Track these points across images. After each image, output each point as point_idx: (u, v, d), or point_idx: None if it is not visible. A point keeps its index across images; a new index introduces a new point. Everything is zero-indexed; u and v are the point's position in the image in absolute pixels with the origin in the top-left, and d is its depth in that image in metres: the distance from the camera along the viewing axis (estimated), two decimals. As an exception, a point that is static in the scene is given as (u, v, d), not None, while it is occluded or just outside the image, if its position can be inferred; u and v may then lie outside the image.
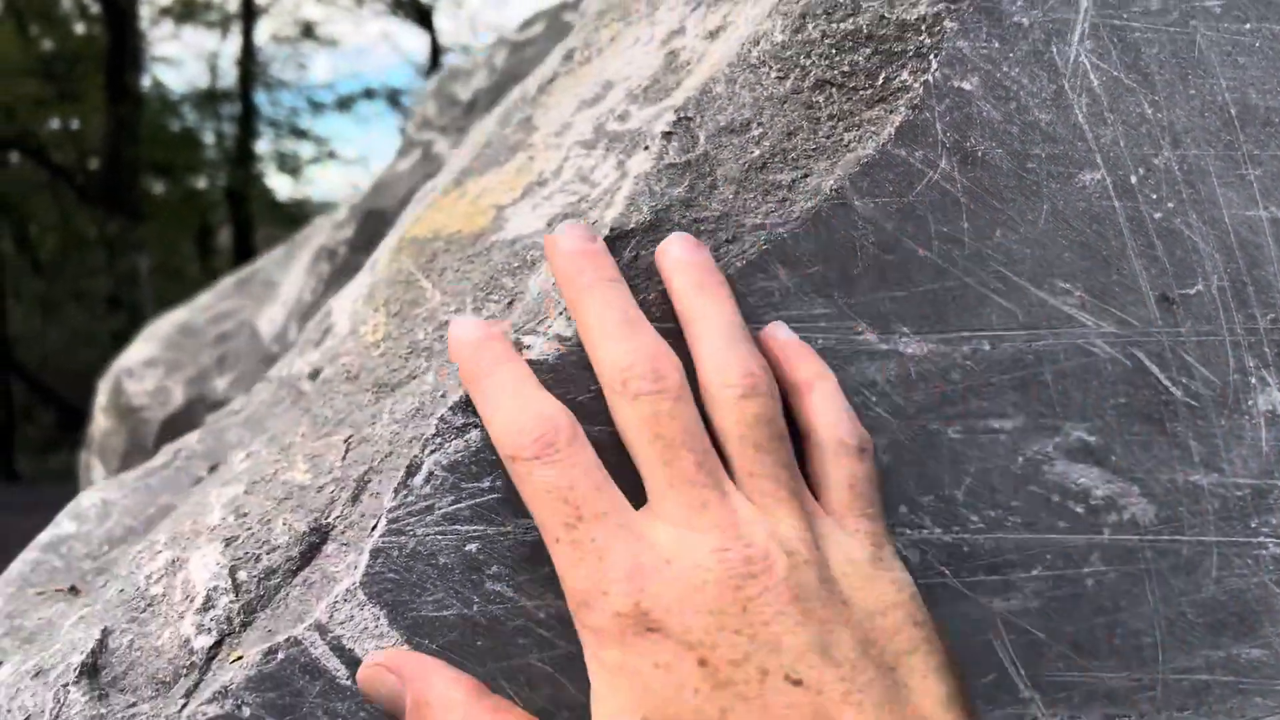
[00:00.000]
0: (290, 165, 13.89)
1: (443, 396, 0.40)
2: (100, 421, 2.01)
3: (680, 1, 0.50)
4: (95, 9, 11.51)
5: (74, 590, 0.58)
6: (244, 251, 13.09)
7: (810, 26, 0.44)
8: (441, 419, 0.39)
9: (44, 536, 0.68)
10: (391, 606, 0.37)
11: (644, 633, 0.35)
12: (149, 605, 0.44)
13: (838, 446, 0.41)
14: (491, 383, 0.40)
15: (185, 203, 13.40)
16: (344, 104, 14.67)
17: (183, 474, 0.66)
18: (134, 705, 0.41)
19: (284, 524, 0.42)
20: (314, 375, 0.53)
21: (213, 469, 0.62)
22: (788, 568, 0.36)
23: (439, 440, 0.39)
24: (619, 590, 0.35)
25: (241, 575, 0.41)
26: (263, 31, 13.62)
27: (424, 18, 14.96)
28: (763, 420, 0.40)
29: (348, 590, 0.37)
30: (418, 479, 0.38)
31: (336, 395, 0.48)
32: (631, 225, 0.42)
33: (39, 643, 0.51)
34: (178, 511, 0.51)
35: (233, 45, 15.18)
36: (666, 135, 0.43)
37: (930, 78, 0.43)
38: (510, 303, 0.43)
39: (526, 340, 0.41)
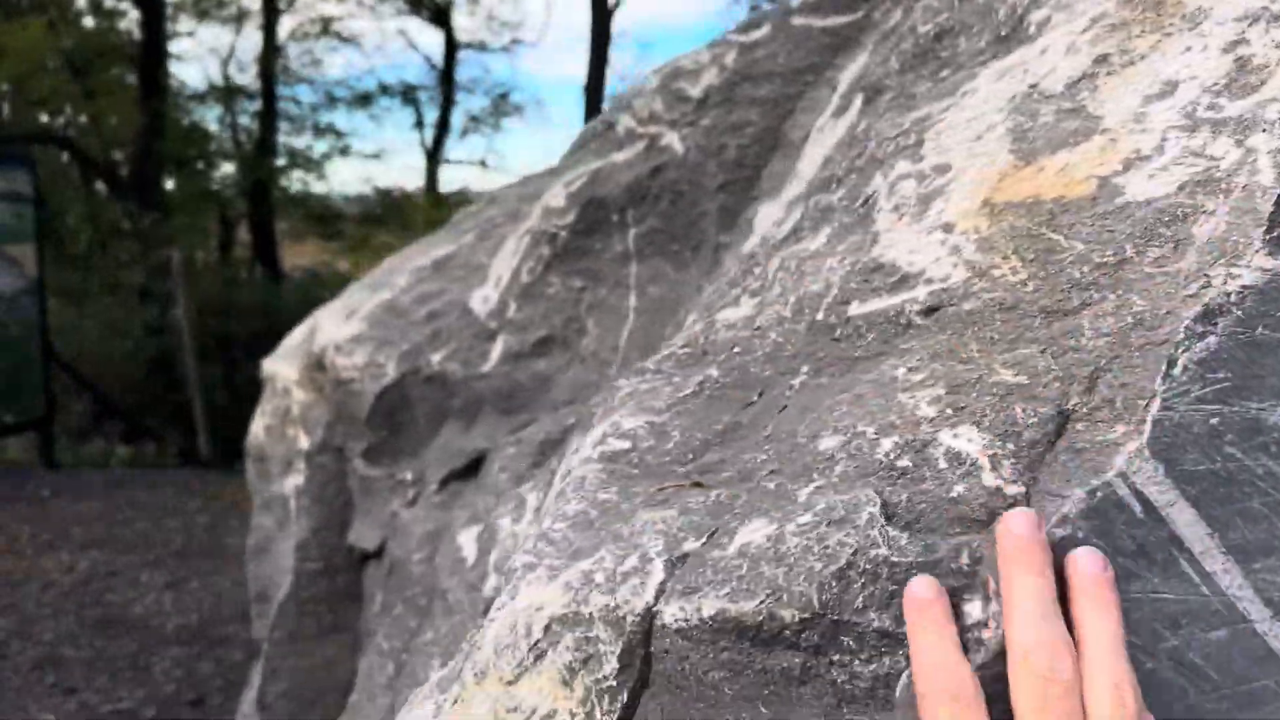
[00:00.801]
0: (307, 160, 13.99)
1: (1167, 314, 0.54)
2: (297, 395, 2.14)
3: (1229, 18, 0.64)
4: (123, 4, 11.59)
5: (697, 484, 0.72)
6: (265, 244, 13.16)
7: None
8: (1187, 329, 0.53)
9: (591, 453, 0.81)
10: (1167, 462, 0.52)
11: None
12: (903, 474, 0.58)
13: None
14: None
15: (205, 196, 13.49)
16: (362, 100, 14.76)
17: (717, 401, 0.80)
18: (931, 540, 0.55)
19: (1022, 410, 0.56)
20: (929, 311, 0.67)
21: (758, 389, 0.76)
22: None
23: (1187, 343, 0.53)
24: None
25: (1010, 446, 0.55)
26: (282, 28, 13.69)
27: (440, 15, 15.06)
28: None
29: (1137, 449, 0.52)
30: (1176, 370, 0.52)
31: (993, 322, 0.62)
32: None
33: (734, 516, 0.65)
34: (846, 419, 0.64)
35: (246, 41, 15.24)
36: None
37: None
38: (1175, 245, 0.57)
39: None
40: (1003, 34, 0.89)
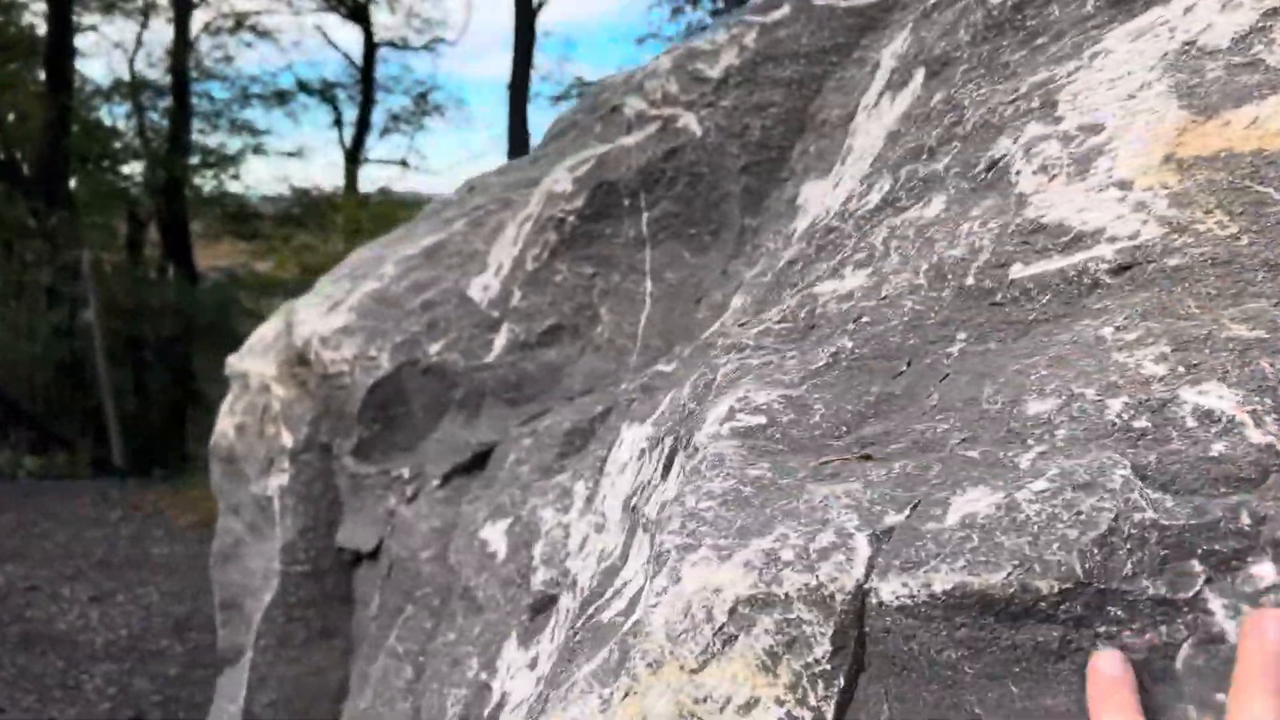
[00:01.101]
0: (221, 158, 13.55)
1: None
2: (277, 391, 2.04)
3: None
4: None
5: (866, 457, 0.68)
6: (179, 245, 12.71)
7: None
8: None
9: (719, 430, 0.77)
10: None
11: None
12: (1143, 435, 0.55)
13: None
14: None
15: (113, 195, 12.97)
16: (279, 98, 14.38)
17: (858, 372, 0.76)
18: (1199, 502, 0.52)
19: (1270, 365, 0.54)
20: (1120, 270, 0.65)
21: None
22: None
23: None
24: None
25: (1268, 401, 0.53)
26: (194, 22, 13.23)
27: (359, 12, 14.76)
28: None
29: None
30: None
31: (1206, 277, 0.60)
32: None
33: (935, 486, 0.61)
34: (1052, 381, 0.61)
35: (154, 35, 14.70)
36: None
37: None
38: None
39: None
40: (1115, -1, 0.88)
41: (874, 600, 0.56)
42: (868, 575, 0.57)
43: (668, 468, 0.89)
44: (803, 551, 0.60)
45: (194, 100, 13.38)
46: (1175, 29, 0.74)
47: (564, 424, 1.48)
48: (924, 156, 0.96)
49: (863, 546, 0.58)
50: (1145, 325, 0.60)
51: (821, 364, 0.77)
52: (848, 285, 0.87)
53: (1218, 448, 0.52)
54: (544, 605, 1.18)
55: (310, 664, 1.89)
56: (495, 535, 1.42)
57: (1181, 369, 0.56)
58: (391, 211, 12.54)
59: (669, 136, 1.62)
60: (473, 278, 1.84)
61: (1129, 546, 0.50)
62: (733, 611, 0.60)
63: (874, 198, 0.99)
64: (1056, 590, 0.51)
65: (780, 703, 0.56)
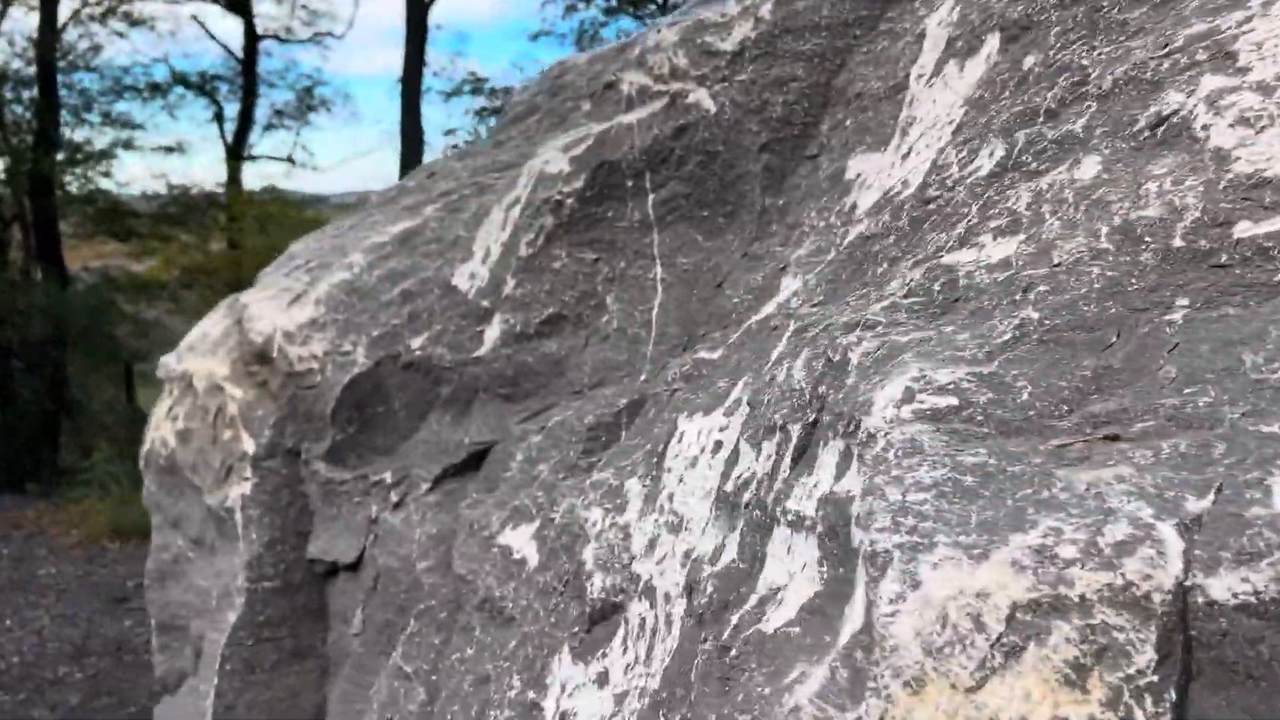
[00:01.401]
0: (90, 154, 12.77)
1: None
2: (232, 392, 1.86)
3: None
4: None
5: (1112, 438, 0.61)
6: (48, 244, 11.95)
7: None
8: None
9: (899, 413, 0.69)
10: None
11: None
12: None
13: None
14: None
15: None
16: (154, 90, 13.68)
17: (1055, 346, 0.69)
18: None
19: None
20: None
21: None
22: None
23: None
24: None
25: None
26: (63, 9, 12.43)
27: (239, 3, 14.15)
28: None
29: None
30: None
31: None
32: None
33: (1237, 467, 0.55)
34: None
35: (15, 23, 13.81)
36: None
37: None
38: None
39: None
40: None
41: (1199, 599, 0.49)
42: (1187, 571, 0.50)
43: (798, 459, 0.80)
44: (1089, 546, 0.52)
45: (62, 93, 12.59)
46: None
47: (585, 418, 1.38)
48: (1042, 119, 0.89)
49: (1173, 538, 0.51)
50: None
51: (1007, 338, 0.70)
52: (995, 254, 0.80)
53: None
54: (606, 614, 1.08)
55: (282, 688, 1.72)
56: (520, 541, 1.30)
57: None
58: (281, 210, 12.04)
59: (678, 113, 1.54)
60: (457, 265, 1.71)
61: None
62: (1010, 619, 0.52)
63: (985, 164, 0.92)
64: None
65: (1094, 721, 0.49)
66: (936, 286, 0.82)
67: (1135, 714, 0.48)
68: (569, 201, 1.61)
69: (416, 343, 1.68)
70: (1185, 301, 0.65)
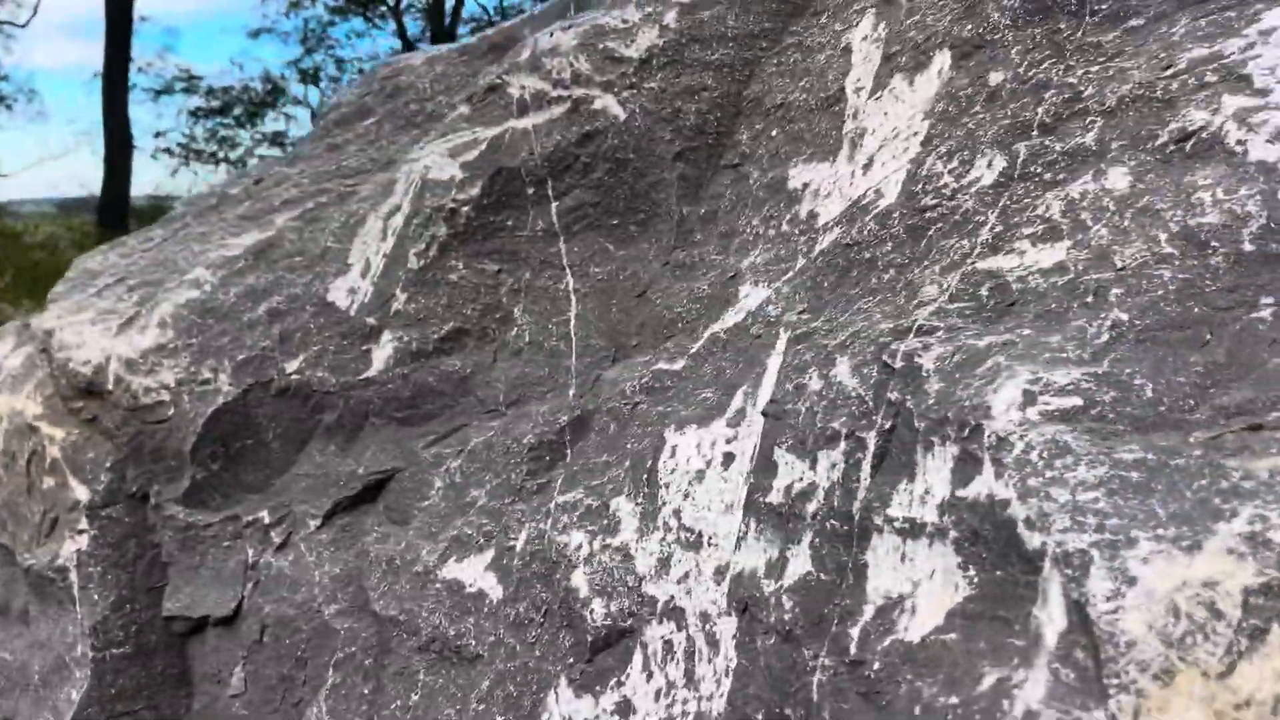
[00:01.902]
0: None
1: None
2: (50, 433, 1.60)
3: None
4: None
5: (1255, 427, 0.65)
6: None
7: None
8: None
9: (1026, 416, 0.71)
10: None
11: None
12: None
13: None
14: None
15: None
16: None
17: (1152, 345, 0.73)
18: None
19: None
20: None
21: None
22: None
23: None
24: None
25: None
26: None
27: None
28: None
29: None
30: None
31: None
32: None
33: None
34: None
35: None
36: None
37: None
38: None
39: None
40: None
41: None
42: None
43: (878, 466, 0.81)
44: (1303, 529, 0.56)
45: None
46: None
47: (524, 438, 1.31)
48: (1038, 132, 0.95)
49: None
50: None
51: (1105, 339, 0.74)
52: (1043, 259, 0.84)
53: None
54: (611, 641, 1.03)
55: None
56: (472, 574, 1.21)
57: None
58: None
59: (583, 119, 1.50)
60: (330, 280, 1.57)
61: None
62: (1246, 604, 0.55)
63: (985, 174, 0.97)
64: None
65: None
66: (984, 291, 0.85)
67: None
68: (464, 209, 1.52)
69: (291, 366, 1.53)
70: (1270, 300, 0.71)
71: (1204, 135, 0.82)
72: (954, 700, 0.64)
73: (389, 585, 1.32)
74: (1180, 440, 0.65)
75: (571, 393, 1.38)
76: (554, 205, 1.52)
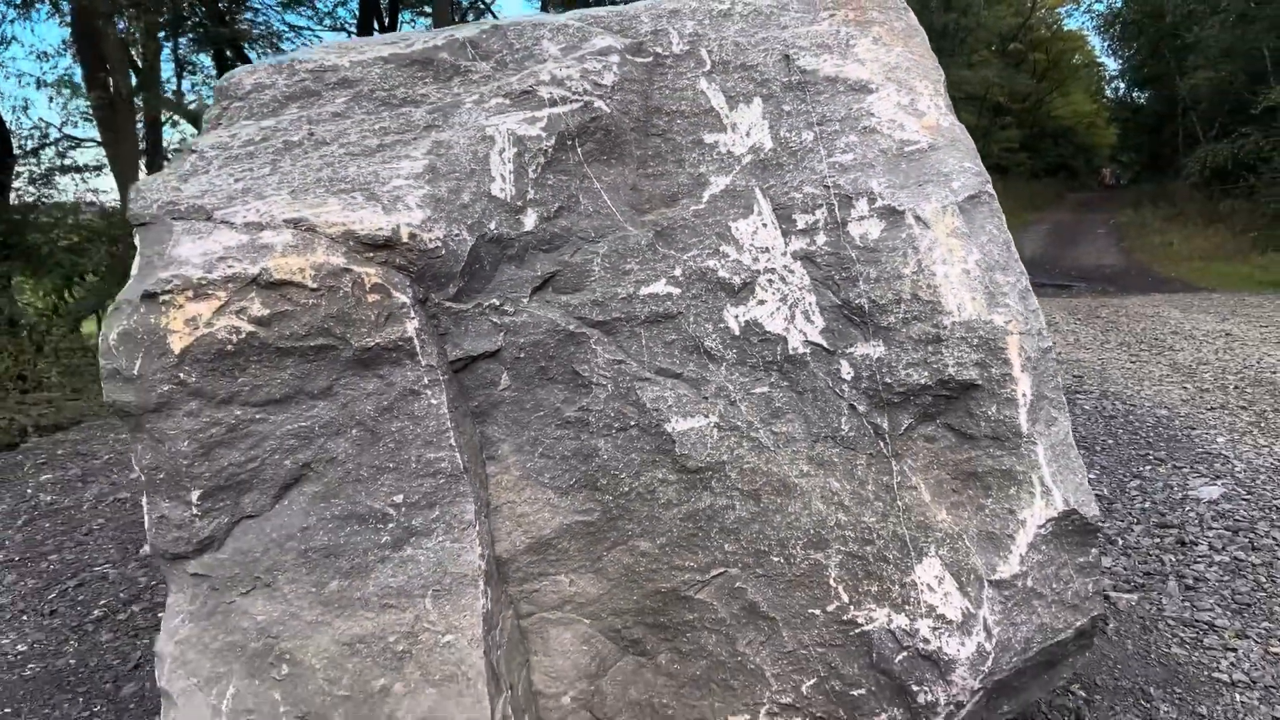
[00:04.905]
0: None
1: None
2: (364, 270, 2.74)
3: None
4: None
5: None
6: None
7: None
8: None
9: None
10: None
11: None
12: None
13: None
14: None
15: None
16: None
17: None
18: None
19: None
20: None
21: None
22: None
23: None
24: None
25: None
26: None
27: None
28: None
29: None
30: None
31: None
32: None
33: None
34: None
35: None
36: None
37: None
38: None
39: None
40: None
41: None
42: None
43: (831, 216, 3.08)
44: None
45: None
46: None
47: (627, 241, 3.15)
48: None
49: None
50: None
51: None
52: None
53: None
54: (746, 286, 3.05)
55: (464, 439, 2.88)
56: (660, 289, 3.04)
57: None
58: None
59: (589, 111, 3.32)
60: (489, 184, 3.06)
61: None
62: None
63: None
64: None
65: None
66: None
67: None
68: (548, 149, 3.20)
69: (491, 225, 3.02)
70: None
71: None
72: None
73: (598, 309, 3.04)
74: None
75: (629, 228, 3.22)
76: (580, 149, 3.27)
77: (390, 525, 2.72)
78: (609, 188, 3.25)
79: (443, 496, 2.74)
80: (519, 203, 3.08)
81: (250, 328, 2.67)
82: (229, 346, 2.66)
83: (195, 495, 2.68)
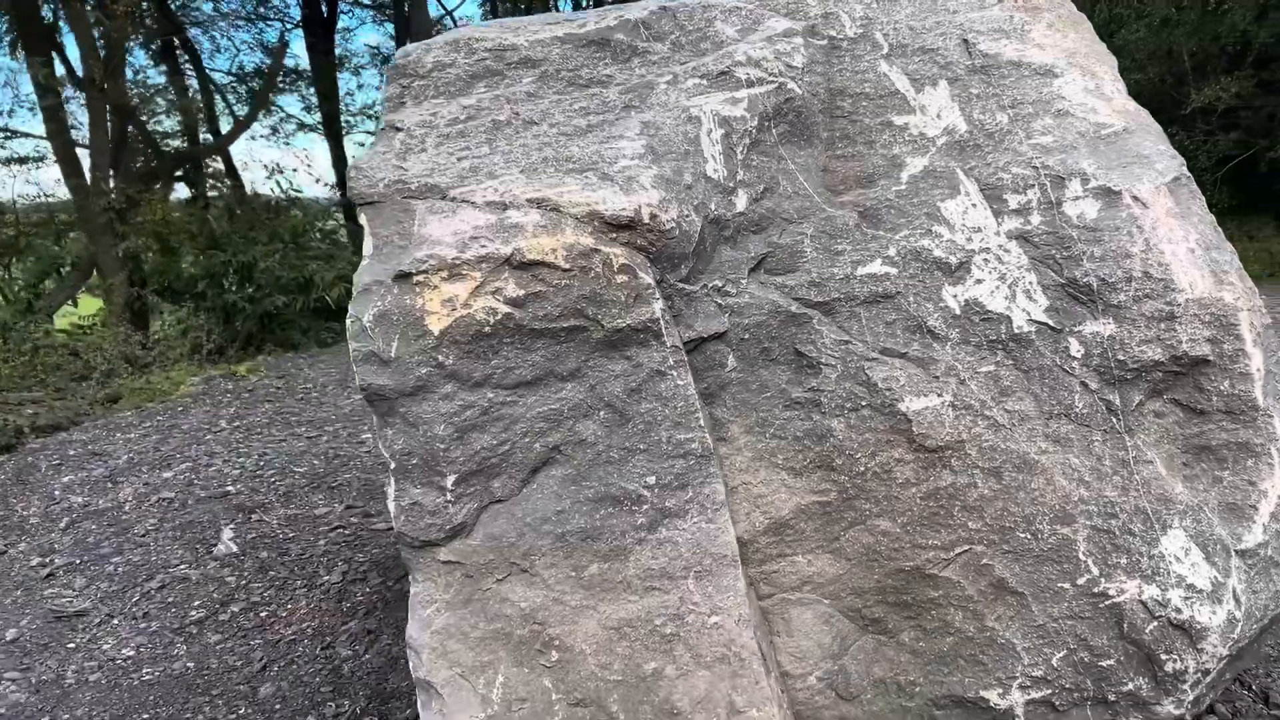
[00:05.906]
0: None
1: None
2: (611, 251, 2.70)
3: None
4: None
5: None
6: None
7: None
8: None
9: None
10: None
11: None
12: None
13: None
14: None
15: None
16: None
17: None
18: None
19: None
20: None
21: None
22: None
23: None
24: None
25: None
26: None
27: None
28: None
29: None
30: None
31: None
32: None
33: None
34: None
35: None
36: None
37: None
38: None
39: None
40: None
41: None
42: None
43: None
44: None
45: None
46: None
47: (834, 222, 3.18)
48: None
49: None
50: None
51: None
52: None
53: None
54: (962, 265, 3.11)
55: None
56: (875, 269, 3.07)
57: None
58: None
59: (783, 92, 3.32)
60: (704, 165, 3.04)
61: None
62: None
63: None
64: None
65: None
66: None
67: None
68: (751, 130, 3.20)
69: (712, 206, 3.01)
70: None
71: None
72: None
73: (818, 290, 3.06)
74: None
75: (827, 210, 3.24)
76: (774, 131, 3.27)
77: (645, 507, 2.69)
78: (802, 169, 3.27)
79: (694, 477, 2.73)
80: (730, 184, 3.08)
81: (506, 309, 2.61)
82: (485, 328, 2.61)
83: (450, 480, 2.62)
